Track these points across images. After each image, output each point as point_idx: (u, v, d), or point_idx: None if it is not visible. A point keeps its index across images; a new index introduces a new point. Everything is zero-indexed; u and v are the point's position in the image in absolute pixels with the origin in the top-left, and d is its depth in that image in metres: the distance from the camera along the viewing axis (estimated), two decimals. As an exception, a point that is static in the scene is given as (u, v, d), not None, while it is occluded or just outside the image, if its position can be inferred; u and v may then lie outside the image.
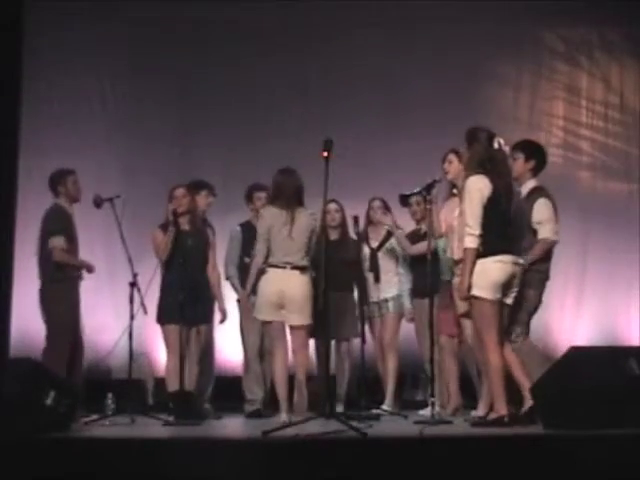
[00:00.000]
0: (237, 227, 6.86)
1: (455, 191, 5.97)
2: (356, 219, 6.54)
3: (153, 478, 4.10)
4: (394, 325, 6.71)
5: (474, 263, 5.10)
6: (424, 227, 6.45)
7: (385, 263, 6.74)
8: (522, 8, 8.38)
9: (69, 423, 5.14)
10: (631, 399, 4.63)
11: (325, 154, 5.20)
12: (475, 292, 5.11)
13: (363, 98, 8.17)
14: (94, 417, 6.04)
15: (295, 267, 5.84)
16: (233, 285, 6.81)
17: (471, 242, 5.11)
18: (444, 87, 8.23)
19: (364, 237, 6.72)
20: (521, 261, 5.26)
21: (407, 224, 6.81)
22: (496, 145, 5.24)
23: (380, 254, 6.74)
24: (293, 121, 8.09)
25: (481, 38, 8.41)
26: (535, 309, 5.56)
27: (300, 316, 5.86)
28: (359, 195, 6.95)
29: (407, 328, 6.83)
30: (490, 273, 5.11)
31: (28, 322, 7.11)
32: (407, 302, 6.72)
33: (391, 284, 6.71)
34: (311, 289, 5.89)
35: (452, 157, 5.96)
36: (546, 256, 5.61)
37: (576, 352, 4.93)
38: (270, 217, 5.90)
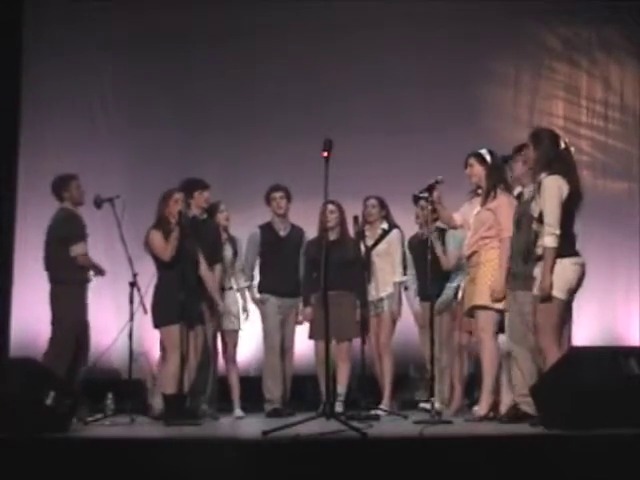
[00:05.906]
0: (256, 229, 6.86)
1: (480, 191, 5.96)
2: (356, 219, 6.51)
3: (153, 478, 4.10)
4: (390, 325, 6.70)
5: (554, 263, 5.06)
6: (425, 232, 6.45)
7: (380, 262, 6.73)
8: (522, 8, 8.38)
9: (69, 423, 5.14)
10: (631, 399, 4.63)
11: (325, 154, 5.19)
12: (552, 292, 5.05)
13: (363, 98, 8.16)
14: (94, 417, 6.05)
15: None
16: (252, 287, 6.81)
17: (552, 242, 5.06)
18: (444, 87, 8.21)
19: (361, 235, 6.70)
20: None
21: (410, 225, 6.82)
22: (562, 145, 5.21)
23: (375, 253, 6.73)
24: (293, 121, 8.08)
25: (481, 38, 8.40)
26: None
27: None
28: (359, 195, 6.94)
29: (404, 327, 6.82)
30: (568, 275, 5.07)
31: (28, 322, 7.13)
32: (416, 303, 6.72)
33: (386, 283, 6.70)
34: None
35: (472, 161, 5.93)
36: None
37: (576, 352, 4.93)
38: None
